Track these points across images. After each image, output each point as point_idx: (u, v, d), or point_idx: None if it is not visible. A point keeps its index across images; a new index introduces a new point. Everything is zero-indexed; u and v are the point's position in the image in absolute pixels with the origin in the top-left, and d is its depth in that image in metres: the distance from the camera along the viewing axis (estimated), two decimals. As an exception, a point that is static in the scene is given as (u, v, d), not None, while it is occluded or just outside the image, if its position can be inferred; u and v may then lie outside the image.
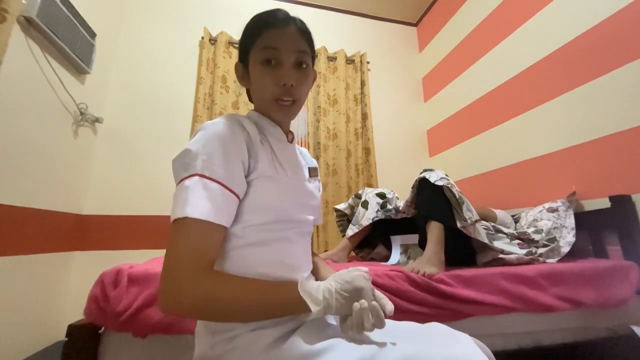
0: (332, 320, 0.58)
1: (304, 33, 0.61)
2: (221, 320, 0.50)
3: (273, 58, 0.57)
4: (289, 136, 0.68)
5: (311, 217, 0.64)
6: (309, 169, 0.71)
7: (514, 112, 1.83)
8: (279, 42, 0.57)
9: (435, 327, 0.51)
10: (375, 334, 0.52)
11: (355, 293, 0.50)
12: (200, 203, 0.46)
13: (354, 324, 0.48)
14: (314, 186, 0.70)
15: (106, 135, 1.98)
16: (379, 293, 0.53)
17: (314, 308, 0.49)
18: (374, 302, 0.49)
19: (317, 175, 0.73)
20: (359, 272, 0.53)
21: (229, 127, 0.53)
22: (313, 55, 0.64)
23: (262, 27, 0.59)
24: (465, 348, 0.45)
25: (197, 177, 0.48)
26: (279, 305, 0.49)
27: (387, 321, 0.59)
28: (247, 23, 0.62)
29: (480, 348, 0.52)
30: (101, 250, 1.83)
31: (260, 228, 0.54)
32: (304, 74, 0.60)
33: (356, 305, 0.49)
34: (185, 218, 0.45)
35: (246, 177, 0.54)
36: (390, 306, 0.50)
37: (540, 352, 0.97)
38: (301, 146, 0.74)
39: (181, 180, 0.49)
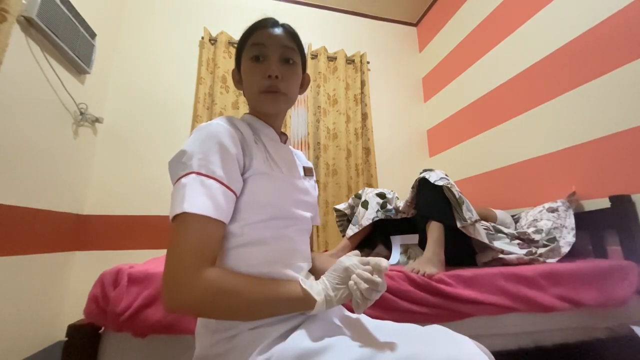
0: (336, 319, 0.59)
1: (291, 33, 0.64)
2: (224, 317, 0.50)
3: (260, 54, 0.61)
4: (282, 137, 0.70)
5: (308, 214, 0.65)
6: (304, 168, 0.72)
7: (514, 112, 1.83)
8: (265, 39, 0.61)
9: (436, 329, 0.52)
10: (375, 335, 0.52)
11: (345, 274, 0.52)
12: (198, 199, 0.47)
13: (356, 300, 0.49)
14: (310, 184, 0.71)
15: (106, 135, 1.98)
16: (372, 258, 0.53)
17: (318, 298, 0.50)
18: (358, 270, 0.50)
19: (312, 175, 0.74)
20: (344, 257, 0.55)
21: (223, 127, 0.54)
22: (303, 57, 0.67)
23: (252, 29, 0.63)
24: (466, 348, 0.45)
25: (193, 175, 0.48)
26: (282, 300, 0.50)
27: (387, 323, 0.59)
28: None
29: (481, 350, 0.52)
30: (101, 250, 1.83)
31: (258, 226, 0.55)
32: (289, 69, 0.62)
33: (350, 283, 0.50)
34: (184, 214, 0.46)
35: (242, 175, 0.54)
36: (384, 263, 0.50)
37: (540, 352, 0.97)
38: (301, 146, 0.75)
39: (178, 179, 0.49)
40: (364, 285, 0.48)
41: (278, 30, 0.62)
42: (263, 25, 0.62)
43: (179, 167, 0.50)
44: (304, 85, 0.70)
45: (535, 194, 1.65)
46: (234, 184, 0.52)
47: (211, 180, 0.49)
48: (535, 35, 1.72)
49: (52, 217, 1.55)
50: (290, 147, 0.74)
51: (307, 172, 0.72)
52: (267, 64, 0.60)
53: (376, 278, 0.49)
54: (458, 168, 2.31)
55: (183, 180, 0.48)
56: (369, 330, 0.56)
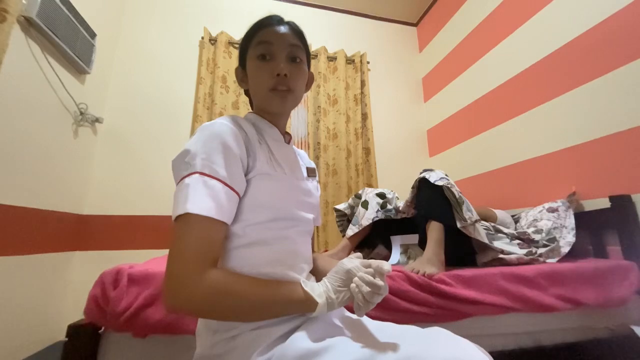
0: (336, 320, 0.59)
1: (297, 32, 0.64)
2: (225, 318, 0.50)
3: (267, 52, 0.60)
4: (286, 137, 0.69)
5: (310, 216, 0.64)
6: (307, 169, 0.71)
7: (514, 112, 1.83)
8: (272, 37, 0.60)
9: (436, 330, 0.51)
10: (376, 335, 0.52)
11: (347, 276, 0.52)
12: (201, 200, 0.46)
13: (358, 303, 0.49)
14: (312, 185, 0.70)
15: (106, 135, 1.98)
16: (373, 261, 0.52)
17: (319, 300, 0.50)
18: (360, 273, 0.50)
19: (315, 176, 0.73)
20: (345, 259, 0.55)
21: (227, 126, 0.54)
22: (308, 55, 0.67)
23: (258, 27, 0.62)
24: (467, 350, 0.45)
25: (197, 175, 0.48)
26: (283, 302, 0.50)
27: (388, 324, 0.59)
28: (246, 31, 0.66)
29: (482, 352, 0.51)
30: (101, 250, 1.83)
31: (260, 227, 0.54)
32: (297, 67, 0.62)
33: (352, 286, 0.50)
34: (187, 214, 0.46)
35: (245, 175, 0.54)
36: (386, 266, 0.50)
37: (540, 352, 0.97)
38: (301, 146, 0.75)
39: (181, 179, 0.49)
40: (365, 289, 0.48)
41: (284, 29, 0.62)
42: (269, 23, 0.62)
43: (182, 167, 0.50)
44: (308, 83, 0.69)
45: (535, 194, 1.65)
46: (237, 184, 0.52)
47: (214, 181, 0.48)
48: (535, 35, 1.71)
49: (52, 217, 1.55)
50: (293, 147, 0.73)
51: (310, 172, 0.72)
52: (275, 62, 0.60)
53: (378, 281, 0.49)
54: (458, 168, 2.30)
55: (186, 180, 0.48)
56: (370, 331, 0.56)
